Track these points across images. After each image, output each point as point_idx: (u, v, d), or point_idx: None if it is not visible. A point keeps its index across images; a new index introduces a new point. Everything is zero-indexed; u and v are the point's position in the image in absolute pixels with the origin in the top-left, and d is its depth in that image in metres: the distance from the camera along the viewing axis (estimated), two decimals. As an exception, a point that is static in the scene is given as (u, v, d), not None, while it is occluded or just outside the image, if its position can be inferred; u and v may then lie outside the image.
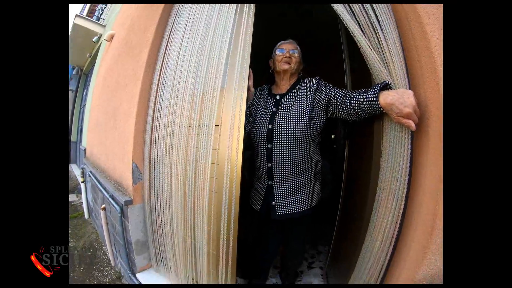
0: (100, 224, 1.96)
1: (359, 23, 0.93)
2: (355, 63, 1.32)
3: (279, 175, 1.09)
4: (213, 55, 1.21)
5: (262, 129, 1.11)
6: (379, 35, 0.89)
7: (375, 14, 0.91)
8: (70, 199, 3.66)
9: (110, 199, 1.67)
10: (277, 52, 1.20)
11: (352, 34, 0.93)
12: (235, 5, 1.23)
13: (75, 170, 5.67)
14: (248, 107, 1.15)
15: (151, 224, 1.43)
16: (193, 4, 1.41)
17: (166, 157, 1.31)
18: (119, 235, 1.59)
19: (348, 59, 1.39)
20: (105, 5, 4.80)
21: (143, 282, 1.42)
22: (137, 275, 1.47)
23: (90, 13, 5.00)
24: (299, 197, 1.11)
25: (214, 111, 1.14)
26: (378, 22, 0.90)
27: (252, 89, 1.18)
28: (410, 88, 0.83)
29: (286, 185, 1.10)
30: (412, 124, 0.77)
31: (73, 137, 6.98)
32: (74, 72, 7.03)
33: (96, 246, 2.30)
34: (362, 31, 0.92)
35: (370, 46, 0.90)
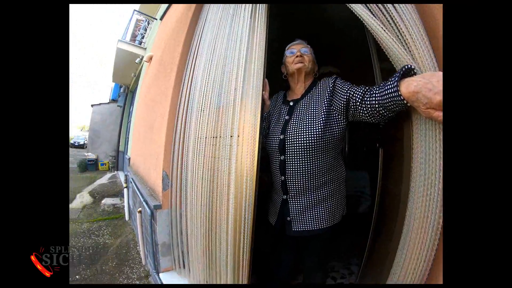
0: (136, 225, 2.18)
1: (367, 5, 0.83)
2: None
3: (293, 189, 1.01)
4: (232, 66, 1.22)
5: (274, 140, 1.04)
6: (393, 14, 0.77)
7: None
8: (114, 202, 4.13)
9: (144, 203, 1.86)
10: (287, 54, 1.13)
11: (358, 16, 0.83)
12: (248, 19, 1.23)
13: (121, 176, 6.36)
14: (264, 118, 1.09)
15: (176, 229, 1.53)
16: (215, 20, 1.49)
17: (190, 167, 1.40)
18: (149, 236, 1.75)
19: (376, 54, 1.23)
20: (145, 30, 5.45)
21: (165, 282, 1.52)
22: (160, 274, 1.58)
23: (133, 37, 5.71)
24: (317, 213, 1.00)
25: (236, 121, 1.12)
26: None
27: (268, 102, 1.12)
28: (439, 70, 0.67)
29: (302, 200, 1.00)
30: None
31: (121, 147, 7.88)
32: (122, 90, 8.00)
33: (131, 246, 2.54)
34: (372, 13, 0.81)
35: (383, 26, 0.77)
